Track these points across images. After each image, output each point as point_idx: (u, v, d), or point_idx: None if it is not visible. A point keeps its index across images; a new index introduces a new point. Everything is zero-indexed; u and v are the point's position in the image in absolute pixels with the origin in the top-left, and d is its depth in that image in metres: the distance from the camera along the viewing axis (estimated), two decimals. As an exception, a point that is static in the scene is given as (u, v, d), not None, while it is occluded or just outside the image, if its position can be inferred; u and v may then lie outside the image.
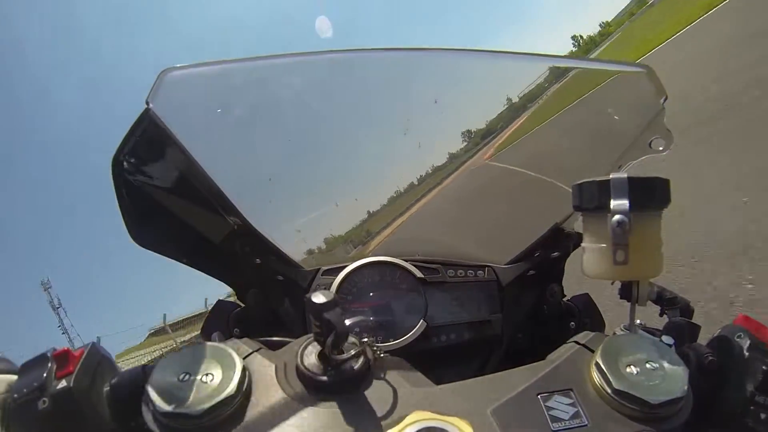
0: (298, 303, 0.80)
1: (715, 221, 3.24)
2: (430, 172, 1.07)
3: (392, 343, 0.75)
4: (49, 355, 0.48)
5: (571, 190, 0.53)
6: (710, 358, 0.46)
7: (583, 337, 0.49)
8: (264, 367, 0.45)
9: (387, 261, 0.84)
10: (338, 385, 0.43)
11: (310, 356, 0.45)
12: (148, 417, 0.40)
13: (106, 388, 0.49)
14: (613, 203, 0.47)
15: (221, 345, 0.45)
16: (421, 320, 0.78)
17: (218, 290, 0.79)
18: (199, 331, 0.81)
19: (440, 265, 0.85)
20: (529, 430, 0.39)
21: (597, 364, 0.43)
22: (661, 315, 0.54)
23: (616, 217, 0.47)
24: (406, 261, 0.84)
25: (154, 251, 0.69)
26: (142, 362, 0.57)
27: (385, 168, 1.06)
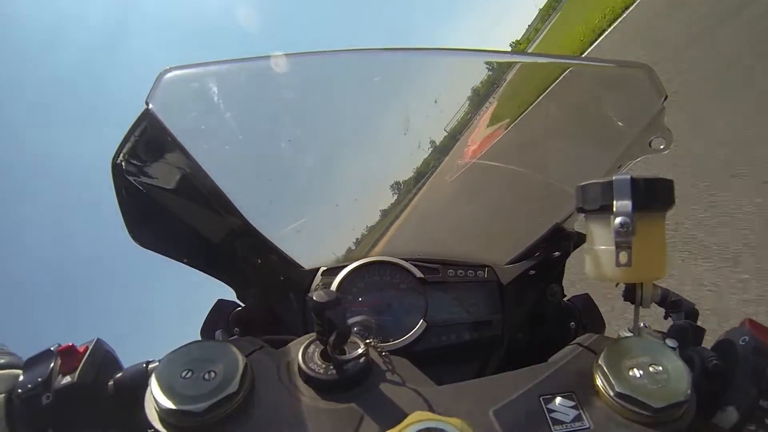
0: (298, 303, 0.80)
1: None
2: (430, 172, 1.07)
3: (392, 343, 0.75)
4: (53, 350, 0.49)
5: (571, 189, 0.53)
6: (714, 361, 0.46)
7: (586, 339, 0.49)
8: (266, 365, 0.45)
9: (387, 261, 0.83)
10: (340, 384, 0.43)
11: (312, 355, 0.45)
12: (150, 413, 0.40)
13: (110, 384, 0.50)
14: (616, 204, 0.47)
15: (224, 343, 0.45)
16: (422, 320, 0.78)
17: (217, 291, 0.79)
18: None
19: (440, 264, 0.85)
20: None
21: (600, 367, 0.43)
22: (665, 318, 0.53)
23: (619, 218, 0.46)
24: (406, 261, 0.84)
25: (154, 251, 0.69)
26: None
27: (385, 168, 1.06)
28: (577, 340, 0.50)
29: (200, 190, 0.70)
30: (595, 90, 0.91)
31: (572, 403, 0.41)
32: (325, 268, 0.84)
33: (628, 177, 0.47)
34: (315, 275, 0.83)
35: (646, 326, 0.53)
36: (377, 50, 0.82)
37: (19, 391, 0.46)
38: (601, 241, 0.50)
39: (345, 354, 0.44)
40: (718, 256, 2.67)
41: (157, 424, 0.39)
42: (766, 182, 2.92)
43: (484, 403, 0.41)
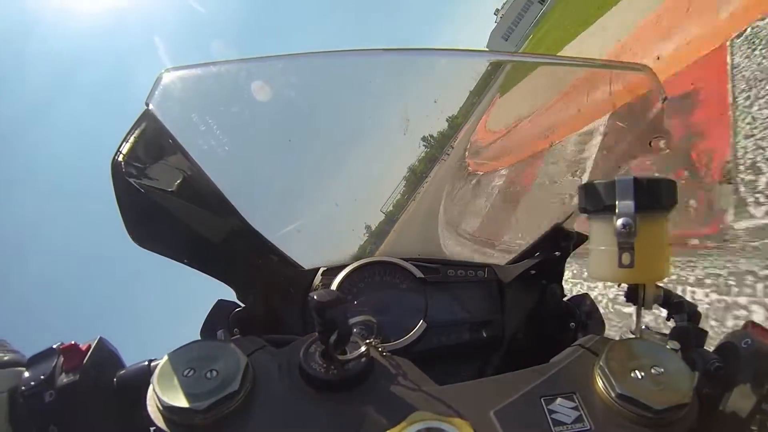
0: (299, 303, 0.80)
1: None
2: (430, 172, 1.07)
3: (393, 343, 0.75)
4: (56, 348, 0.49)
5: (570, 189, 0.53)
6: (716, 364, 0.45)
7: (588, 340, 0.49)
8: (268, 364, 0.45)
9: (387, 261, 0.83)
10: (341, 383, 0.43)
11: (314, 355, 0.45)
12: (152, 411, 0.40)
13: (113, 382, 0.50)
14: (619, 205, 0.47)
15: (225, 342, 0.46)
16: (422, 320, 0.78)
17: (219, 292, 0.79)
18: None
19: (440, 264, 0.85)
20: None
21: (601, 368, 0.43)
22: (668, 319, 0.53)
23: (621, 219, 0.46)
24: (406, 261, 0.84)
25: (154, 251, 0.69)
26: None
27: (384, 168, 1.06)
28: (579, 341, 0.50)
29: (200, 191, 0.69)
30: (594, 90, 0.91)
31: (573, 404, 0.41)
32: (325, 268, 0.84)
33: (631, 178, 0.47)
34: (315, 275, 0.83)
35: (648, 328, 0.53)
36: (377, 51, 0.82)
37: (23, 388, 0.46)
38: (603, 242, 0.50)
39: (346, 354, 0.45)
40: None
41: (159, 422, 0.39)
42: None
43: (485, 404, 0.41)
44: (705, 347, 0.52)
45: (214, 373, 0.41)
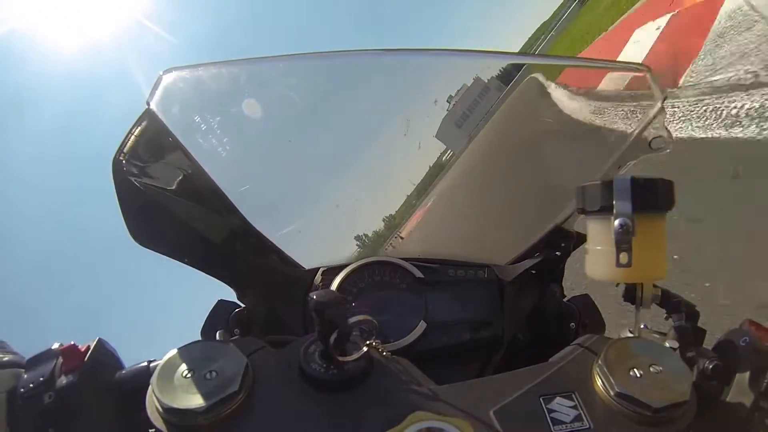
0: (298, 303, 0.80)
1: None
2: (430, 172, 1.07)
3: (393, 343, 0.75)
4: (55, 349, 0.49)
5: (570, 189, 0.53)
6: (715, 362, 0.45)
7: (586, 339, 0.49)
8: (267, 364, 0.45)
9: (387, 261, 0.83)
10: (340, 383, 0.43)
11: (313, 355, 0.45)
12: (152, 412, 0.40)
13: (112, 383, 0.50)
14: (616, 205, 0.47)
15: (225, 342, 0.46)
16: (421, 320, 0.78)
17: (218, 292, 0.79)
18: None
19: (440, 264, 0.85)
20: None
21: (600, 367, 0.43)
22: (666, 318, 0.53)
23: (619, 219, 0.46)
24: (406, 261, 0.84)
25: (155, 251, 0.69)
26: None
27: (385, 169, 1.06)
28: (578, 340, 0.50)
29: (201, 190, 0.70)
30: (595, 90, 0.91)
31: (572, 403, 0.41)
32: (325, 268, 0.84)
33: (629, 178, 0.47)
34: (315, 275, 0.83)
35: (646, 327, 0.53)
36: (377, 51, 0.82)
37: (22, 390, 0.46)
38: (601, 242, 0.50)
39: (346, 354, 0.45)
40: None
41: (159, 423, 0.39)
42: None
43: (485, 403, 0.41)
44: (703, 345, 0.52)
45: (214, 373, 0.41)
